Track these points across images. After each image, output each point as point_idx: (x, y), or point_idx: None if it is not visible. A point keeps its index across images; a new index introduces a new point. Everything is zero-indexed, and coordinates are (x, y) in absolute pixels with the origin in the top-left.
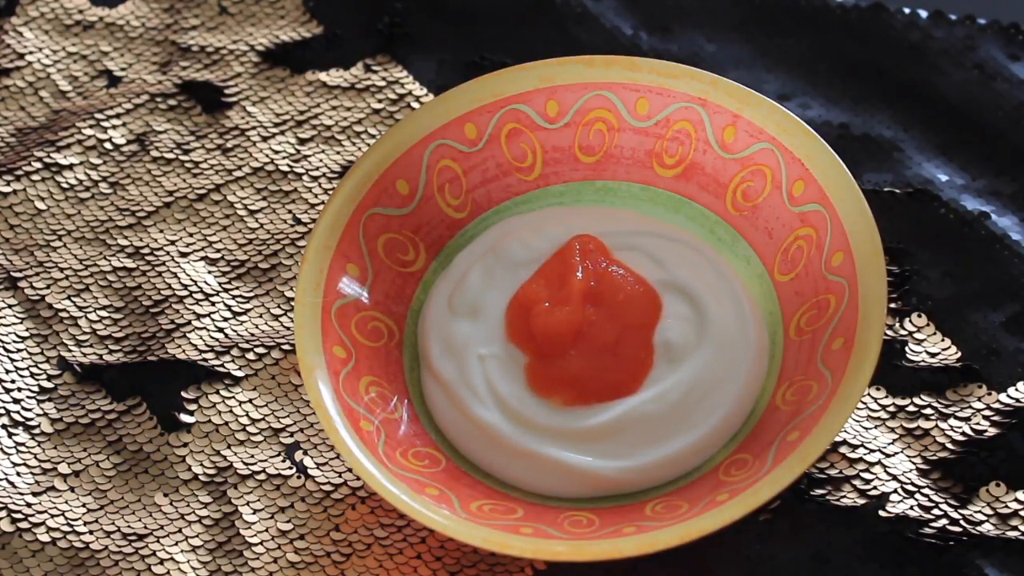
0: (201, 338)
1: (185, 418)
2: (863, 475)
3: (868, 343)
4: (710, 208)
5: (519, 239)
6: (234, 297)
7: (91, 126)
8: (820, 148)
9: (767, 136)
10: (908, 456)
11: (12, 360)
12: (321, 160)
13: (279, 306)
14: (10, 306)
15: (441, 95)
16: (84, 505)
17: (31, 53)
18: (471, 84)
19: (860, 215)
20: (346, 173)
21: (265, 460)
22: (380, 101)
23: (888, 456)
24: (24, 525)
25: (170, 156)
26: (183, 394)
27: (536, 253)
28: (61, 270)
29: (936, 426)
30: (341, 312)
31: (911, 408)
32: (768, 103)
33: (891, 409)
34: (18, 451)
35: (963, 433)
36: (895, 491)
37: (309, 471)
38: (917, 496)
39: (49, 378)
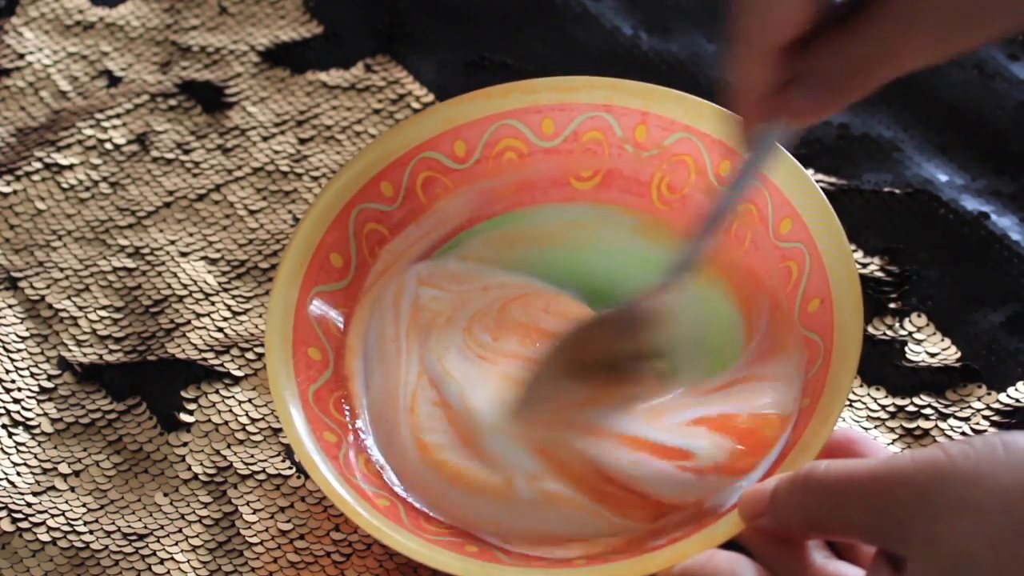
0: (201, 338)
1: (185, 418)
2: None
3: (845, 294)
4: (636, 208)
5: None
6: (234, 297)
7: (91, 126)
8: None
9: (680, 126)
10: None
11: (12, 360)
12: (321, 160)
13: None
14: (10, 306)
15: (354, 158)
16: (84, 505)
17: (31, 53)
18: (379, 140)
19: (795, 176)
20: (286, 247)
21: (265, 460)
22: (380, 101)
23: None
24: (24, 525)
25: (170, 156)
26: (183, 394)
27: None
28: (61, 270)
29: (936, 426)
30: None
31: (911, 408)
32: (675, 94)
33: (891, 409)
34: (18, 451)
35: (963, 433)
36: None
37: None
38: None
39: (49, 378)
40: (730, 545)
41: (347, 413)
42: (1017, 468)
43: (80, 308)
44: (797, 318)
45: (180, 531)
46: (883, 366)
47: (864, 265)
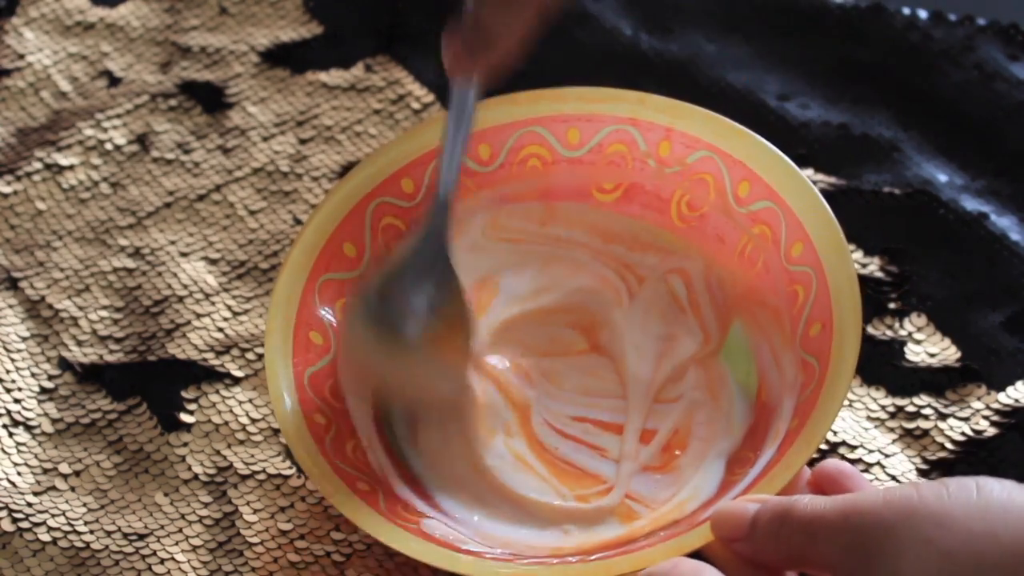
0: (201, 338)
1: (185, 418)
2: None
3: (846, 321)
4: (655, 224)
5: None
6: (234, 297)
7: (91, 126)
8: (761, 147)
9: (704, 144)
10: (907, 456)
11: (13, 360)
12: (321, 160)
13: None
14: (10, 306)
15: (376, 152)
16: (85, 505)
17: (31, 53)
18: (403, 137)
19: (812, 202)
20: (299, 232)
21: (265, 460)
22: (380, 101)
23: (887, 456)
24: (25, 525)
25: (170, 156)
26: (183, 394)
27: None
28: (61, 270)
29: (935, 426)
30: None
31: (910, 408)
32: (700, 111)
33: (890, 409)
34: (19, 451)
35: (962, 433)
36: None
37: None
38: None
39: (50, 378)
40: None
41: (342, 399)
42: (988, 513)
43: (80, 308)
44: (798, 342)
45: (180, 531)
46: (883, 366)
47: (864, 265)
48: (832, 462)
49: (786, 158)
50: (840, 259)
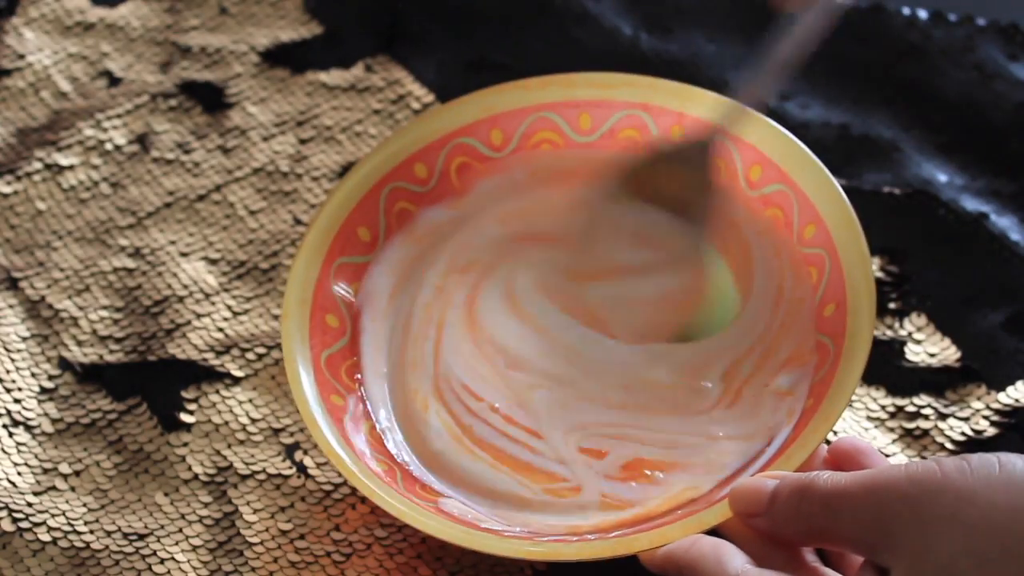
0: (201, 338)
1: (185, 418)
2: None
3: (860, 300)
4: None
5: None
6: (234, 297)
7: (91, 126)
8: (772, 130)
9: (714, 128)
10: (907, 456)
11: (13, 360)
12: (321, 160)
13: (279, 306)
14: (10, 306)
15: (389, 137)
16: (85, 505)
17: (32, 53)
18: (416, 122)
19: (824, 184)
20: (314, 216)
21: (265, 460)
22: (380, 101)
23: (887, 456)
24: (25, 525)
25: (170, 156)
26: (183, 394)
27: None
28: (61, 270)
29: (935, 426)
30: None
31: (910, 408)
32: (711, 96)
33: (890, 409)
34: (19, 451)
35: (962, 433)
36: None
37: (309, 471)
38: None
39: (50, 378)
40: (713, 532)
41: (358, 380)
42: (1012, 488)
43: (80, 308)
44: (813, 323)
45: (180, 531)
46: (883, 366)
47: None
48: (848, 439)
49: (797, 140)
50: (852, 239)
